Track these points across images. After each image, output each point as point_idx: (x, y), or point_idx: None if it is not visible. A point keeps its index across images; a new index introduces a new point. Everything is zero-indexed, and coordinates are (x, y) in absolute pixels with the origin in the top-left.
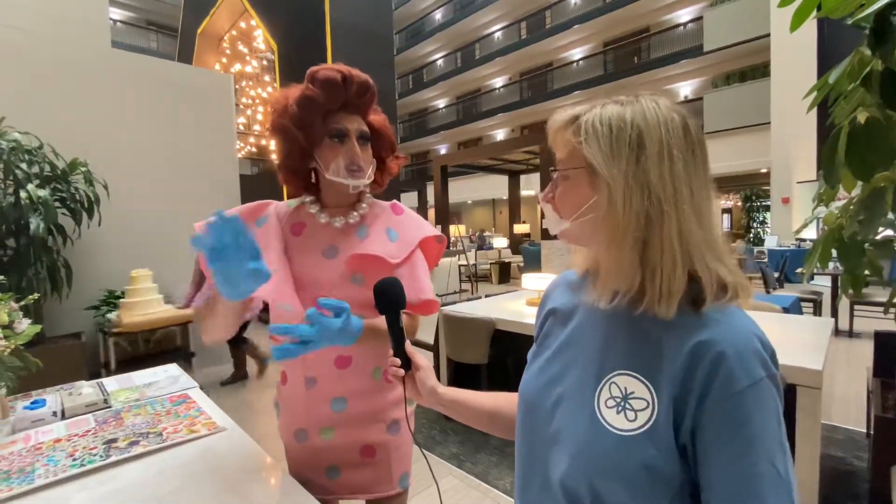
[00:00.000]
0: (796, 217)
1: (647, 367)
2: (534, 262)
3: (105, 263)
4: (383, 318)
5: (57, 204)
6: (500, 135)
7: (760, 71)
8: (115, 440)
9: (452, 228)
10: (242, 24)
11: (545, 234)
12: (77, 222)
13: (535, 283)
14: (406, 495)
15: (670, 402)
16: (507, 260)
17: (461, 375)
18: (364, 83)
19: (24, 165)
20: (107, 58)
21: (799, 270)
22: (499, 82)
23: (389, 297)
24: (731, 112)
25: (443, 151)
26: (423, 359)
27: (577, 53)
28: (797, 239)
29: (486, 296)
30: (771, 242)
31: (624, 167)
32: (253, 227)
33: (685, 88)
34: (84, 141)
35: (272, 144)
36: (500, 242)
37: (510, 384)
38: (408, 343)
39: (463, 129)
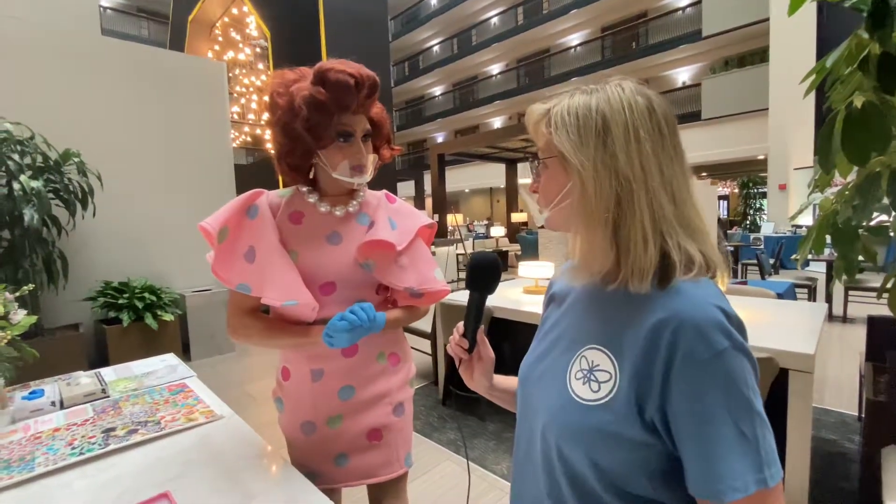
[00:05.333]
0: (793, 203)
1: (612, 342)
2: (531, 251)
3: (101, 254)
4: (399, 310)
5: (50, 195)
6: (497, 122)
7: (759, 56)
8: (113, 429)
9: (450, 217)
10: (234, 11)
11: None
12: (71, 213)
13: (532, 271)
14: (407, 475)
15: (633, 376)
16: (504, 248)
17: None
18: (373, 84)
19: (16, 156)
20: (97, 46)
21: (794, 257)
22: (496, 69)
23: (485, 277)
24: (730, 98)
25: (440, 139)
26: (489, 351)
27: (574, 39)
28: (793, 225)
29: None
30: (767, 229)
31: (592, 153)
32: (245, 218)
33: (683, 74)
34: (76, 131)
35: (267, 134)
36: (498, 231)
37: (507, 371)
38: (482, 328)
39: (460, 117)
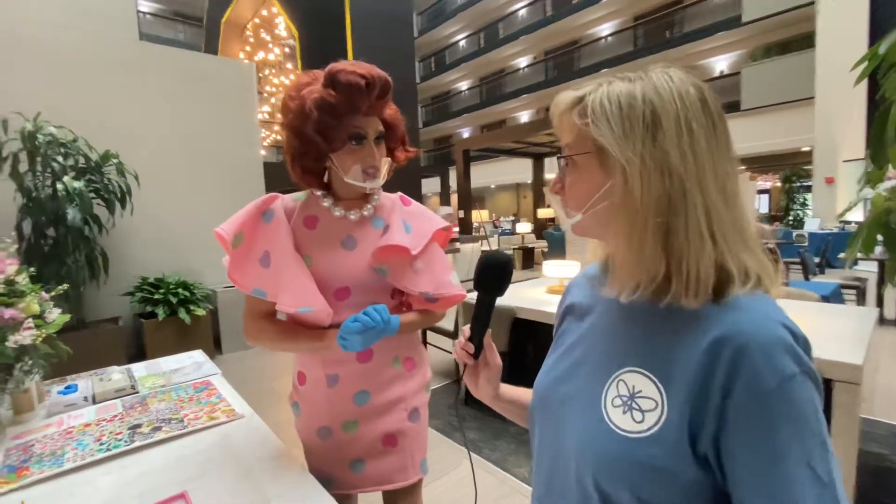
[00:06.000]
0: (841, 198)
1: (659, 365)
2: (558, 248)
3: (138, 251)
4: (414, 314)
5: (92, 195)
6: (524, 116)
7: (804, 42)
8: (139, 425)
9: (475, 214)
10: (264, 12)
11: None
12: (111, 212)
13: (557, 270)
14: (422, 482)
15: (686, 405)
16: (530, 245)
17: None
18: (385, 85)
19: (59, 158)
20: (135, 50)
21: (842, 256)
22: (523, 62)
23: (494, 278)
24: (772, 87)
25: (466, 135)
26: (496, 357)
27: (605, 29)
28: (841, 222)
29: None
30: (812, 225)
31: (640, 147)
32: (260, 222)
33: (721, 63)
34: (115, 133)
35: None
36: (524, 227)
37: (530, 373)
38: (489, 334)
39: (486, 112)
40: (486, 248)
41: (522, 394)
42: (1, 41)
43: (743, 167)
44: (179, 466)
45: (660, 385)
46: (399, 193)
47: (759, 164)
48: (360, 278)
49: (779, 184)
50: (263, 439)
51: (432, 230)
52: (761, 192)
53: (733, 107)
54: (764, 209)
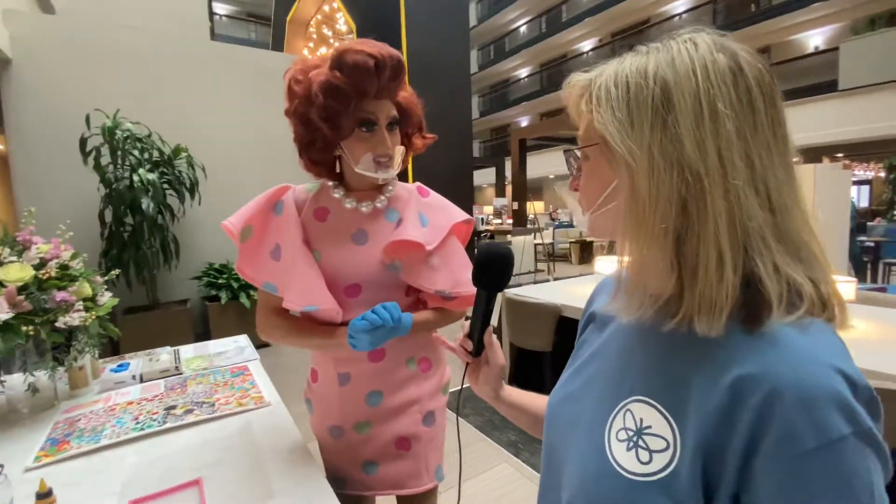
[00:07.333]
0: None
1: (672, 398)
2: None
3: (205, 238)
4: (429, 312)
5: (165, 185)
6: None
7: None
8: (174, 407)
9: (530, 205)
10: (326, 8)
11: None
12: (181, 202)
13: (610, 267)
14: (437, 489)
15: (698, 452)
16: (589, 239)
17: (525, 362)
18: (396, 66)
19: (136, 152)
20: (205, 50)
21: None
22: (587, 45)
23: (495, 273)
24: (876, 63)
25: (524, 124)
26: (498, 355)
27: (679, 6)
28: None
29: (555, 279)
30: None
31: (647, 137)
32: (271, 214)
33: (816, 38)
34: (185, 127)
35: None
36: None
37: None
38: (490, 330)
39: (546, 99)
40: (538, 241)
41: (528, 399)
42: (84, 44)
43: (840, 154)
44: (201, 451)
45: (672, 422)
46: (417, 184)
47: (859, 150)
48: (371, 274)
49: (882, 173)
50: (284, 431)
51: (450, 224)
52: (862, 182)
53: (829, 86)
54: (864, 202)
